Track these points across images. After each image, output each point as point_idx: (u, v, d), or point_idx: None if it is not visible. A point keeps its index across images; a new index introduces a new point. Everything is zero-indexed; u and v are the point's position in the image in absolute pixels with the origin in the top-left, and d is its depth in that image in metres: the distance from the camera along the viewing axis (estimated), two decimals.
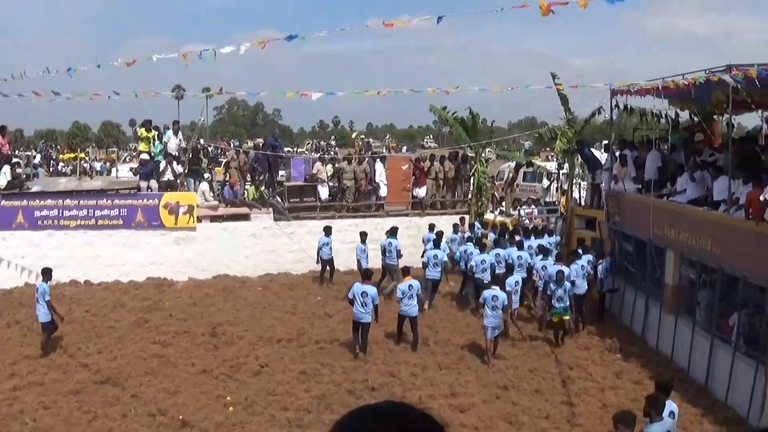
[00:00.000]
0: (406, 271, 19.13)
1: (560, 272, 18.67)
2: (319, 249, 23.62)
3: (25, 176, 27.76)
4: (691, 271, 17.62)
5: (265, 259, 25.58)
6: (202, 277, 24.56)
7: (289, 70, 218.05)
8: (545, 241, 22.75)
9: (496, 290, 17.70)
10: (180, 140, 27.12)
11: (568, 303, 18.30)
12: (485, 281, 19.91)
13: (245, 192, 27.48)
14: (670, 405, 11.04)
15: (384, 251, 22.63)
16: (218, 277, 24.68)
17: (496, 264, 21.07)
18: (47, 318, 17.36)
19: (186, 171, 26.52)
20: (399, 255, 22.43)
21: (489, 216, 28.97)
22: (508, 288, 18.33)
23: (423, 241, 23.93)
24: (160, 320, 20.01)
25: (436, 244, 22.31)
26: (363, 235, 23.07)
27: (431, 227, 24.39)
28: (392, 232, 23.15)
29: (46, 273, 17.88)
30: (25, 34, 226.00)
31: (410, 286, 17.97)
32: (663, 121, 22.79)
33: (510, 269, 20.01)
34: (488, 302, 17.39)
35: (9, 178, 24.75)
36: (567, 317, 18.40)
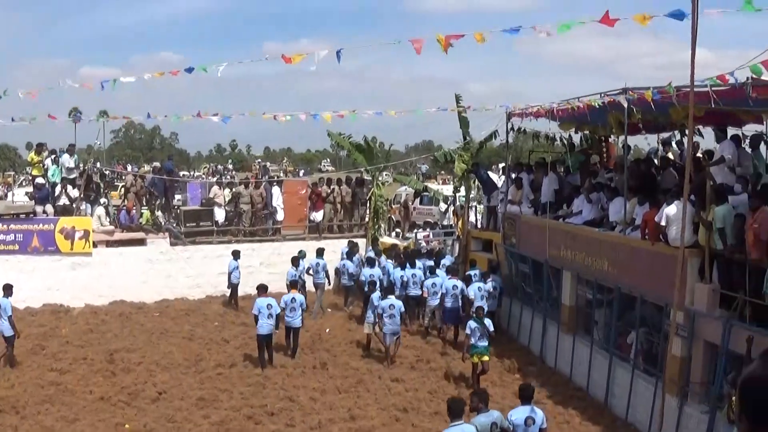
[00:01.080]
0: (293, 284, 20.08)
1: (480, 308, 17.52)
2: (230, 273, 23.73)
3: None
4: (588, 291, 17.87)
5: (162, 284, 25.12)
6: (99, 303, 23.99)
7: (186, 92, 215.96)
8: (448, 260, 23.02)
9: (392, 299, 18.73)
10: (77, 164, 26.53)
11: (488, 342, 17.01)
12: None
13: (141, 216, 26.90)
14: (530, 411, 10.98)
15: (312, 271, 23.29)
16: (115, 303, 24.11)
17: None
18: (11, 332, 17.70)
19: (81, 195, 25.84)
20: (327, 274, 23.43)
21: (388, 239, 28.89)
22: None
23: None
24: (57, 347, 19.40)
25: (349, 257, 23.82)
26: (294, 261, 23.05)
27: (350, 243, 25.31)
28: (319, 253, 23.62)
29: (7, 289, 17.97)
30: None
31: (293, 299, 18.75)
32: (558, 143, 23.20)
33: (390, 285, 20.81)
34: (386, 311, 18.40)
35: None
36: (487, 357, 17.19)
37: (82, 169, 26.90)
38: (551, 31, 13.47)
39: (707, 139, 17.91)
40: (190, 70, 17.02)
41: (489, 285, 20.68)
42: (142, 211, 27.49)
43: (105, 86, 18.52)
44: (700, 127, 17.41)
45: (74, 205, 25.43)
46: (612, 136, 21.67)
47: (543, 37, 13.70)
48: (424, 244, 27.98)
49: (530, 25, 13.87)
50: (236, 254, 23.92)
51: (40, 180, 25.51)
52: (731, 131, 15.79)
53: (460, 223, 28.05)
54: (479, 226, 26.58)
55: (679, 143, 19.81)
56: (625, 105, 15.13)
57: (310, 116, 24.42)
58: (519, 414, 10.91)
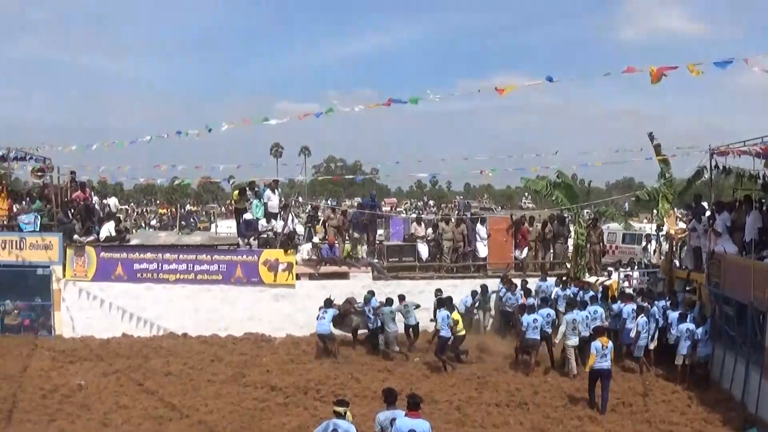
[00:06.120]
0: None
1: None
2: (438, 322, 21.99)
3: (125, 230, 28.90)
4: None
5: None
6: (300, 333, 24.38)
7: (386, 129, 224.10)
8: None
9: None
10: (280, 198, 27.40)
11: None
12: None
13: (343, 250, 27.44)
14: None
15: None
16: (315, 335, 23.54)
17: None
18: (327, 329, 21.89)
19: (285, 230, 26.49)
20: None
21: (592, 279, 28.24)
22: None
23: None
24: (257, 375, 19.96)
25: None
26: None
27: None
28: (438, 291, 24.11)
29: (328, 303, 22.31)
30: None
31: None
32: (761, 181, 22.23)
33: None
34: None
35: (113, 233, 25.64)
36: None
37: (284, 203, 27.88)
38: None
39: None
40: (400, 101, 17.79)
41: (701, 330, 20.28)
42: (345, 245, 27.84)
43: (319, 116, 20.01)
44: None
45: (277, 239, 26.11)
46: None
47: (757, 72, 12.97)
48: (626, 283, 27.20)
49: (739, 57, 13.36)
50: (447, 301, 22.38)
51: (247, 215, 26.25)
52: None
53: (663, 262, 27.23)
54: (683, 266, 25.57)
55: None
56: None
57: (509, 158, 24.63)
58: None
